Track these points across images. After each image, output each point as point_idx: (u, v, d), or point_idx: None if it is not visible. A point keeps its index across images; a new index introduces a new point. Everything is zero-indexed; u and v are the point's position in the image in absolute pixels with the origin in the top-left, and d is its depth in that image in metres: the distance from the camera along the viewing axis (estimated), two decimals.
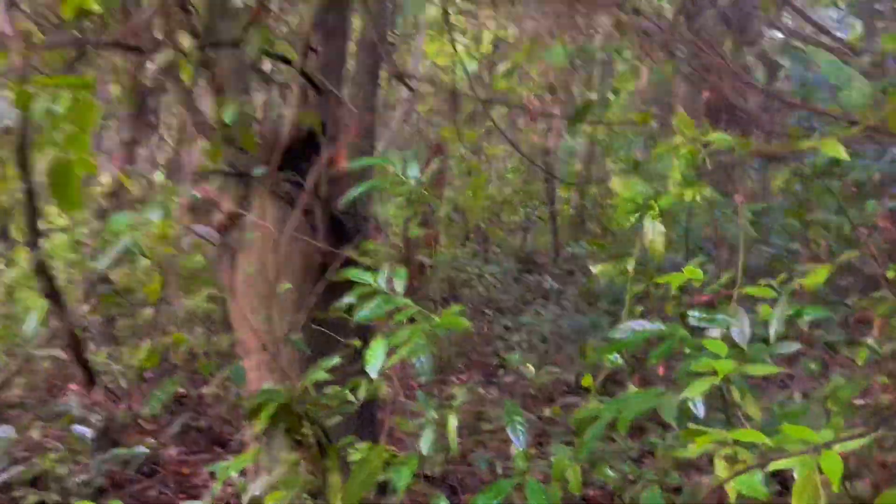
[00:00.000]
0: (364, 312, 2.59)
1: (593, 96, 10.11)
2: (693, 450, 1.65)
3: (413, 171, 2.65)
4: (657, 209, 2.22)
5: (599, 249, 5.37)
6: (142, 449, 3.20)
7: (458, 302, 8.07)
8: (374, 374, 2.36)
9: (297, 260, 3.49)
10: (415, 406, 3.24)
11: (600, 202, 10.92)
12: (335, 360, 2.69)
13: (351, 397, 2.55)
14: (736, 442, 1.59)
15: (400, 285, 2.65)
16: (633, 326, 2.12)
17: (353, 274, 2.76)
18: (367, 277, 2.71)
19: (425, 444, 2.63)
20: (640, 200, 2.37)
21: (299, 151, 3.67)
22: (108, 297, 4.74)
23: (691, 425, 1.77)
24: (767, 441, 1.49)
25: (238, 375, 3.57)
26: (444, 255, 8.89)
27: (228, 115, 3.18)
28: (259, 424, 2.51)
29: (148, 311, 4.48)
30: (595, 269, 2.43)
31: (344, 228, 3.61)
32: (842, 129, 2.35)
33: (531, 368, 5.77)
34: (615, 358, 2.28)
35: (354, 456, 2.69)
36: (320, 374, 2.85)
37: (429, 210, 9.77)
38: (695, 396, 1.77)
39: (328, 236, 3.46)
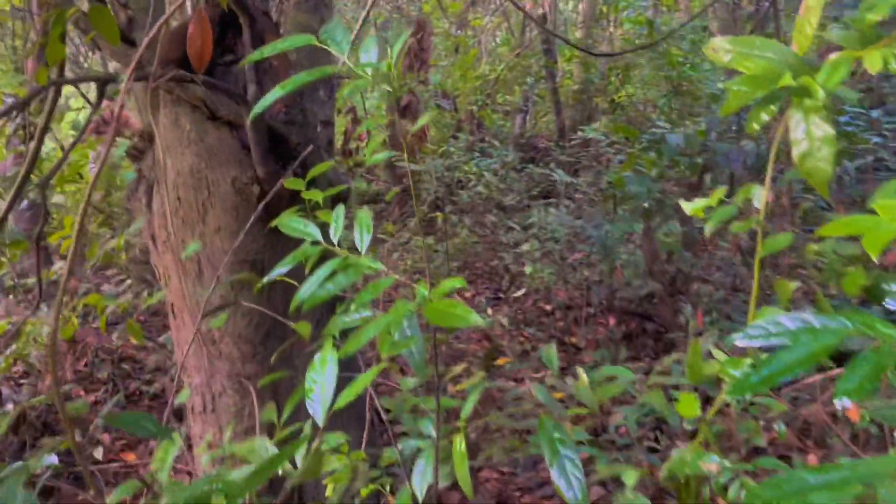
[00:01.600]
0: (312, 289, 1.67)
1: None
2: None
3: (371, 52, 1.60)
4: (819, 93, 1.17)
5: (627, 135, 4.30)
6: (51, 459, 2.35)
7: (454, 205, 7.08)
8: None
9: (224, 192, 2.49)
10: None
11: (607, 74, 9.69)
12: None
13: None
14: None
15: (366, 237, 1.72)
16: (783, 324, 1.09)
17: (290, 226, 1.81)
18: (310, 230, 1.77)
19: (420, 480, 1.75)
20: (774, 78, 1.28)
21: (216, 40, 2.60)
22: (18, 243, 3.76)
23: None
24: None
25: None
26: (435, 153, 7.82)
27: None
28: None
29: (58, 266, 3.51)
30: (686, 206, 1.42)
31: (287, 144, 2.58)
32: None
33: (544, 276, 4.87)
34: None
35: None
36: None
37: (413, 99, 8.59)
38: None
39: (265, 157, 2.44)
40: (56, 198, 4.75)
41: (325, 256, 1.69)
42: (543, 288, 5.05)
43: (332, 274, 1.65)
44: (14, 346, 3.47)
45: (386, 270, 1.63)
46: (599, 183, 5.07)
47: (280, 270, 1.67)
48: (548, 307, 5.09)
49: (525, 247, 5.38)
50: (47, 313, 3.69)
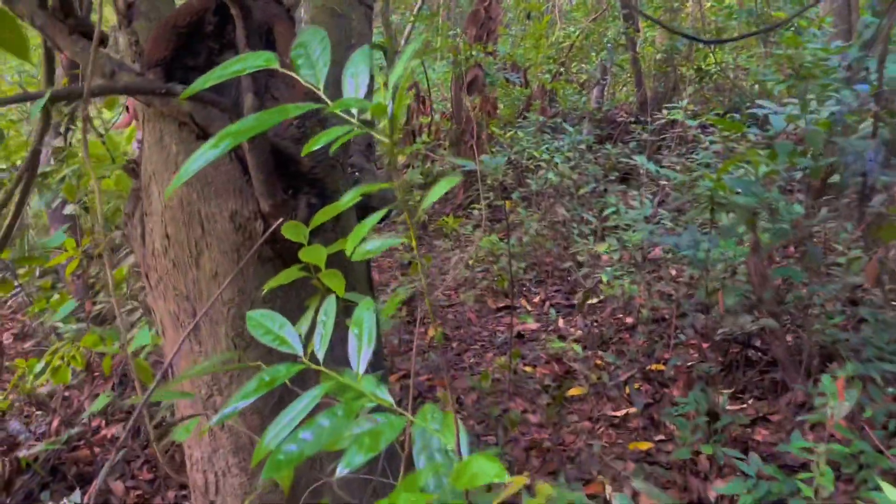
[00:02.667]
0: (278, 440, 1.17)
1: None
2: None
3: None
4: None
5: (730, 129, 3.53)
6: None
7: (524, 189, 6.44)
8: None
9: (221, 230, 1.97)
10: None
11: (692, 42, 8.75)
12: None
13: None
14: None
15: (365, 352, 1.22)
16: None
17: (255, 320, 1.33)
18: (285, 334, 1.31)
19: None
20: None
21: (212, 33, 2.06)
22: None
23: None
24: None
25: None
26: (502, 136, 7.16)
27: None
28: None
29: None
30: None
31: (298, 166, 2.04)
32: None
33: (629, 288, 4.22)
34: None
35: None
36: None
37: (480, 72, 7.93)
38: None
39: (270, 184, 1.90)
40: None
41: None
42: (623, 295, 4.40)
43: (315, 410, 1.16)
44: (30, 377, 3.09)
45: (396, 408, 1.10)
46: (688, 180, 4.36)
47: (243, 404, 1.14)
48: (628, 320, 4.45)
49: (601, 247, 4.72)
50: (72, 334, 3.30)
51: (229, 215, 1.97)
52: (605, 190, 6.71)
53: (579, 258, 4.87)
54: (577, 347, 3.58)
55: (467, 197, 8.05)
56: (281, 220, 1.97)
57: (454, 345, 4.43)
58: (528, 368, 3.93)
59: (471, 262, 5.51)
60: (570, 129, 6.22)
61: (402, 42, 13.05)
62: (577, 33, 9.66)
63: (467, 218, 7.26)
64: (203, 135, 1.95)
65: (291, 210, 1.99)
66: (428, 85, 9.04)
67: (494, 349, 4.29)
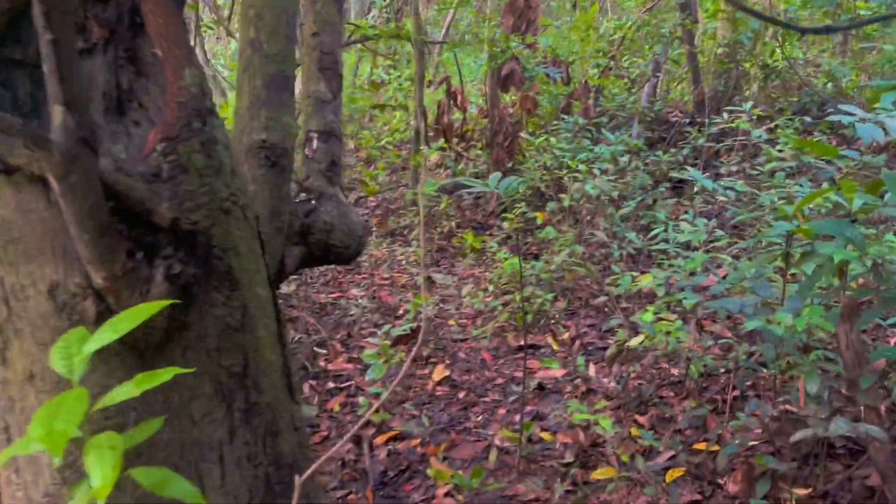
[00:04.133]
0: None
1: None
2: None
3: None
4: None
5: (821, 154, 2.60)
6: None
7: (559, 200, 5.67)
8: None
9: (37, 311, 1.30)
10: None
11: (761, 32, 7.81)
12: None
13: None
14: None
15: None
16: None
17: None
18: None
19: None
20: None
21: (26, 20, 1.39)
22: None
23: None
24: None
25: None
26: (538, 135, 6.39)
27: None
28: None
29: None
30: None
31: (153, 217, 1.34)
32: None
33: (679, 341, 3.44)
34: None
35: None
36: None
37: (517, 67, 7.15)
38: None
39: (103, 244, 1.22)
40: None
41: None
42: (668, 340, 3.61)
43: None
44: None
45: None
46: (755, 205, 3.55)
47: None
48: (674, 371, 3.66)
49: (644, 279, 3.93)
50: None
51: (47, 289, 1.29)
52: (655, 202, 5.89)
53: (617, 290, 4.09)
54: (607, 423, 2.82)
55: (500, 203, 7.29)
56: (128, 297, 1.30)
57: (461, 394, 3.71)
58: (545, 435, 3.19)
59: (490, 287, 4.77)
60: (612, 136, 5.40)
61: (443, 33, 12.34)
62: (629, 24, 8.79)
63: (499, 228, 6.51)
64: (5, 168, 1.27)
65: (141, 283, 1.29)
66: (461, 79, 8.30)
67: (508, 405, 3.55)
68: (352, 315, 4.53)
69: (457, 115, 8.72)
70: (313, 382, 3.87)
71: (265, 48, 1.92)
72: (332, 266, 5.61)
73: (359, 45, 9.67)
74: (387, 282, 5.50)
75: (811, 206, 3.34)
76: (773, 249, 2.90)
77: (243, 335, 1.51)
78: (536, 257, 5.88)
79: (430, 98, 9.98)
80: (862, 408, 2.15)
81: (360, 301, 4.97)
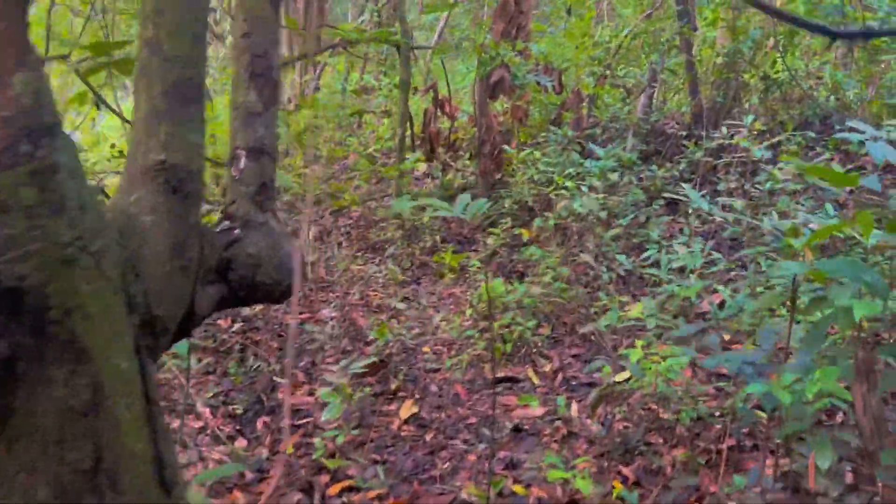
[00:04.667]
0: None
1: None
2: None
3: None
4: None
5: (838, 183, 2.25)
6: None
7: (545, 218, 5.32)
8: None
9: None
10: None
11: (762, 42, 7.49)
12: None
13: None
14: None
15: None
16: None
17: None
18: None
19: None
20: None
21: None
22: None
23: None
24: None
25: None
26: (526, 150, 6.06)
27: None
28: None
29: None
30: None
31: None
32: None
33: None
34: None
35: None
36: None
37: (506, 74, 6.83)
38: None
39: None
40: None
41: None
42: (658, 379, 3.27)
43: None
44: None
45: None
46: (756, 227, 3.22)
47: None
48: (664, 415, 3.32)
49: (634, 310, 3.59)
50: None
51: None
52: (648, 220, 5.56)
53: (604, 322, 3.74)
54: (586, 483, 2.47)
55: (487, 217, 6.95)
56: None
57: (429, 436, 3.36)
58: (518, 488, 2.84)
59: (469, 311, 4.42)
60: (601, 151, 5.07)
61: (435, 38, 12.01)
62: (625, 32, 8.47)
63: (484, 245, 6.17)
64: None
65: None
66: (449, 86, 7.98)
67: (480, 450, 3.21)
68: (317, 341, 4.19)
69: (443, 123, 8.40)
70: (267, 419, 3.53)
71: (165, 50, 1.58)
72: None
73: (348, 49, 9.34)
74: (361, 302, 5.16)
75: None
76: (774, 280, 2.56)
77: (95, 420, 1.16)
78: (522, 276, 5.54)
79: (419, 105, 9.67)
80: (881, 486, 1.81)
81: (330, 323, 4.63)
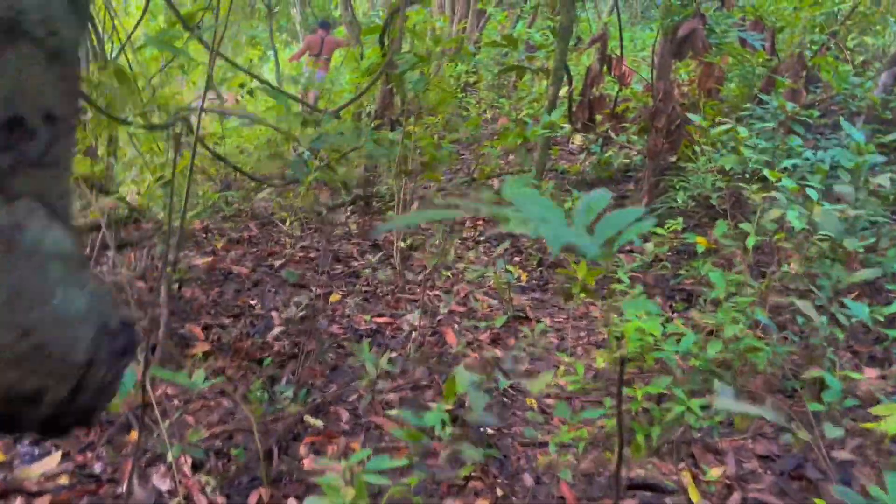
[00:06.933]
0: None
1: None
2: None
3: None
4: None
5: None
6: None
7: (735, 225, 3.71)
8: None
9: None
10: None
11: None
12: None
13: None
14: None
15: None
16: None
17: None
18: None
19: None
20: None
21: None
22: None
23: None
24: None
25: None
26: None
27: None
28: None
29: None
30: None
31: None
32: None
33: None
34: None
35: None
36: None
37: (699, 26, 5.15)
38: None
39: None
40: None
41: None
42: None
43: None
44: None
45: None
46: None
47: None
48: None
49: (878, 411, 2.03)
50: None
51: None
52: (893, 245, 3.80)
53: (826, 396, 2.20)
54: None
55: (654, 197, 5.37)
56: None
57: None
58: None
59: (599, 360, 2.97)
60: (857, 135, 3.33)
61: None
62: None
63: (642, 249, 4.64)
64: None
65: None
66: (622, 43, 6.37)
67: None
68: (366, 375, 2.93)
69: (609, 85, 6.83)
70: (265, 492, 2.32)
71: None
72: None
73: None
74: (461, 307, 3.86)
75: None
76: None
77: None
78: (689, 300, 4.00)
79: (582, 64, 8.10)
80: None
81: (412, 335, 3.37)
